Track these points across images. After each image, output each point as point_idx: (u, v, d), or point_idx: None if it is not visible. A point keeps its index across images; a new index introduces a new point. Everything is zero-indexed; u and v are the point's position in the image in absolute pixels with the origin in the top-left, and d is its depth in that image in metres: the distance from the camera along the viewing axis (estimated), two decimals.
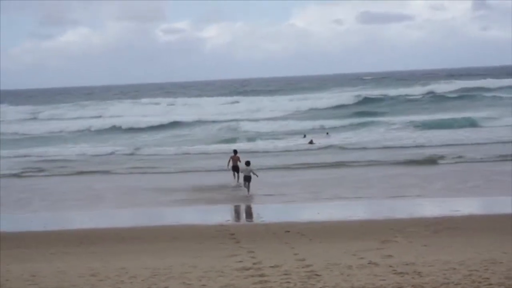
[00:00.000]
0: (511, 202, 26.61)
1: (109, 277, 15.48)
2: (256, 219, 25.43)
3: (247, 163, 31.59)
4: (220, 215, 27.43)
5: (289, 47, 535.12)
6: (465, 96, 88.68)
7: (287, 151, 49.20)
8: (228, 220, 25.02)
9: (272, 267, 15.66)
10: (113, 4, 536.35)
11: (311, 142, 51.96)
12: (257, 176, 31.15)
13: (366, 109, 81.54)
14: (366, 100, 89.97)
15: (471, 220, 22.88)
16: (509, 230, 20.51)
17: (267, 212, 26.66)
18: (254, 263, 16.25)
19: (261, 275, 14.79)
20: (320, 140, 53.48)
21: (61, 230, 24.58)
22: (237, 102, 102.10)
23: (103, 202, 31.49)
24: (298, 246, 18.79)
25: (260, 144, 54.37)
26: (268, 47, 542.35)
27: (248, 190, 30.83)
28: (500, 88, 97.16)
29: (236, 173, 33.95)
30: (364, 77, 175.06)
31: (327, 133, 58.36)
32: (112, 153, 52.42)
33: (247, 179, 30.90)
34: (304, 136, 57.80)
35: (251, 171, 31.07)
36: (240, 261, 16.66)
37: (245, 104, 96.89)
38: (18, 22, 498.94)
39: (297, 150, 49.13)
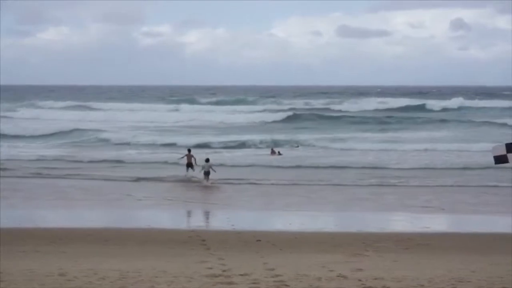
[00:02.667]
0: (482, 221, 26.85)
1: (78, 277, 15.42)
2: (227, 226, 25.36)
3: (207, 160, 36.80)
4: (192, 220, 27.45)
5: (269, 56, 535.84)
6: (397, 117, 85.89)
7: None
8: (200, 226, 25.00)
9: (241, 275, 15.66)
10: (93, 5, 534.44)
11: (277, 153, 50.53)
12: (215, 171, 36.21)
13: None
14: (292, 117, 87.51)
15: (442, 238, 22.98)
16: (479, 249, 20.66)
17: (239, 220, 26.65)
18: (223, 270, 16.24)
19: (230, 283, 14.79)
20: (288, 152, 52.60)
21: (33, 228, 24.48)
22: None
23: (74, 202, 31.37)
24: (268, 256, 18.82)
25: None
26: (248, 55, 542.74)
27: (208, 180, 35.91)
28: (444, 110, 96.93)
29: (189, 168, 38.48)
30: (343, 90, 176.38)
31: (297, 146, 57.52)
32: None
33: (207, 173, 35.99)
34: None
35: (210, 166, 36.21)
36: (210, 268, 16.65)
37: (150, 113, 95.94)
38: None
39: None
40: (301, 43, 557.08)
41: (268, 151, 51.65)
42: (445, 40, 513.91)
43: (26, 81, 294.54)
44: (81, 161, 47.49)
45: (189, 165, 38.73)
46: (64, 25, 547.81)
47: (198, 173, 37.30)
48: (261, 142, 59.26)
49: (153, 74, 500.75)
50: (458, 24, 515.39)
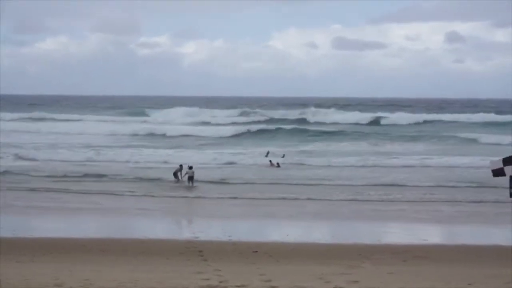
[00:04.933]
0: (479, 233, 26.86)
1: None
2: (224, 237, 25.28)
3: (190, 167, 41.33)
4: (189, 231, 27.40)
5: (267, 67, 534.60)
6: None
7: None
8: (197, 237, 24.97)
9: (238, 286, 15.66)
10: (90, 16, 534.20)
11: (275, 165, 49.94)
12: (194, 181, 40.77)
13: None
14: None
15: (439, 250, 22.95)
16: (477, 262, 20.63)
17: (235, 231, 26.62)
18: (220, 282, 16.24)
19: None
20: (278, 161, 52.11)
21: (29, 238, 24.46)
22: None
23: (72, 212, 31.42)
24: (265, 267, 18.79)
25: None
26: (246, 66, 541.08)
27: (192, 184, 40.49)
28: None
29: (175, 177, 42.28)
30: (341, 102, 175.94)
31: (283, 156, 56.69)
32: None
33: (191, 178, 40.84)
34: (267, 154, 56.82)
35: (193, 172, 40.96)
36: (206, 279, 16.63)
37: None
38: None
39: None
40: (298, 54, 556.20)
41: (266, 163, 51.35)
42: (441, 52, 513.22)
43: (25, 91, 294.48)
44: None
45: (175, 174, 42.32)
46: (62, 35, 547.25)
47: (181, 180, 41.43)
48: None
49: (150, 84, 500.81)
50: (454, 37, 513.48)
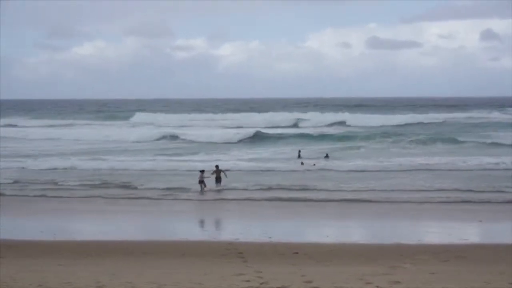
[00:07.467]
0: None
1: None
2: (264, 238, 25.29)
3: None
4: (229, 232, 27.44)
5: (303, 68, 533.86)
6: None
7: None
8: (237, 239, 25.01)
9: (279, 287, 15.67)
10: (126, 20, 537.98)
11: (311, 164, 50.23)
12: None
13: None
14: None
15: (480, 250, 22.77)
16: None
17: (275, 231, 26.64)
18: (261, 283, 16.26)
19: None
20: (321, 162, 51.95)
21: (70, 241, 24.66)
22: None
23: (112, 216, 31.65)
24: (306, 268, 18.79)
25: None
26: (282, 67, 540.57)
27: (202, 189, 39.07)
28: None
29: (218, 183, 40.83)
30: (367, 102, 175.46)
31: (326, 155, 56.63)
32: None
33: (202, 182, 39.40)
34: (299, 155, 56.97)
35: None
36: (247, 280, 16.67)
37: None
38: (30, 34, 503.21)
39: None
40: (334, 55, 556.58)
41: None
42: (476, 50, 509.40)
43: (62, 96, 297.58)
44: None
45: (218, 179, 40.84)
46: (97, 39, 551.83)
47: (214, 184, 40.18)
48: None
49: (186, 88, 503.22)
50: (489, 35, 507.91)
